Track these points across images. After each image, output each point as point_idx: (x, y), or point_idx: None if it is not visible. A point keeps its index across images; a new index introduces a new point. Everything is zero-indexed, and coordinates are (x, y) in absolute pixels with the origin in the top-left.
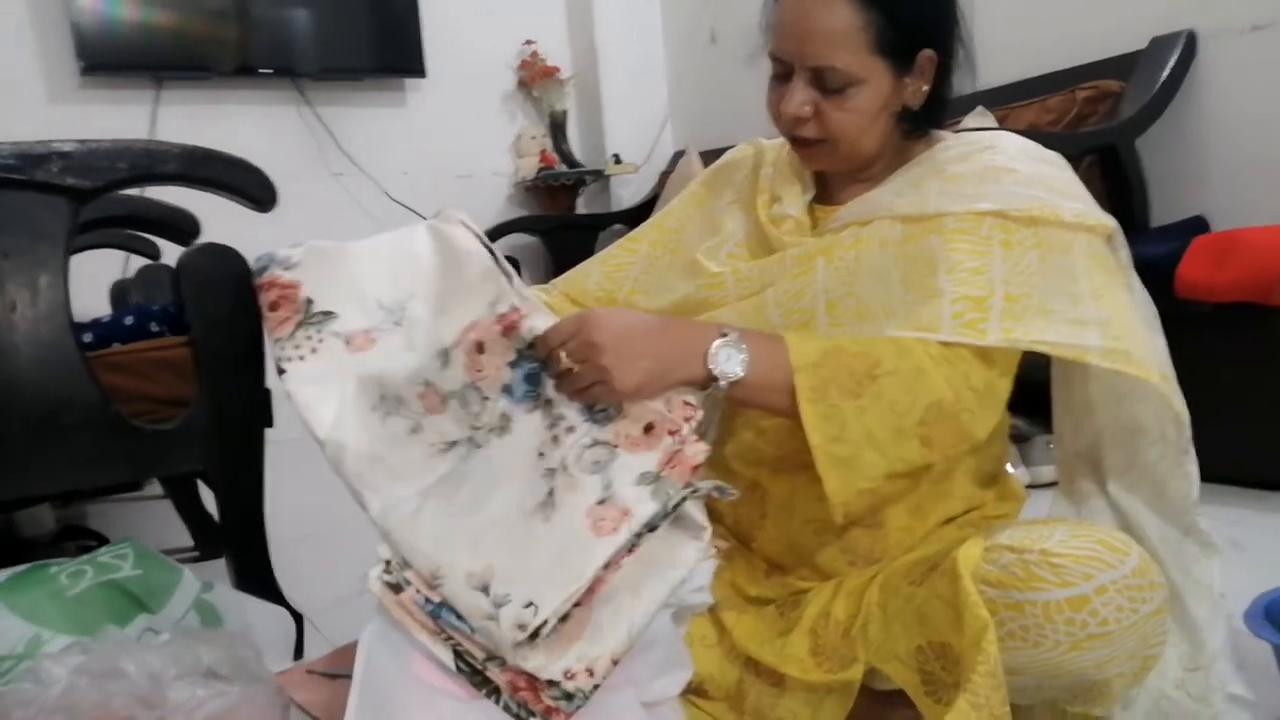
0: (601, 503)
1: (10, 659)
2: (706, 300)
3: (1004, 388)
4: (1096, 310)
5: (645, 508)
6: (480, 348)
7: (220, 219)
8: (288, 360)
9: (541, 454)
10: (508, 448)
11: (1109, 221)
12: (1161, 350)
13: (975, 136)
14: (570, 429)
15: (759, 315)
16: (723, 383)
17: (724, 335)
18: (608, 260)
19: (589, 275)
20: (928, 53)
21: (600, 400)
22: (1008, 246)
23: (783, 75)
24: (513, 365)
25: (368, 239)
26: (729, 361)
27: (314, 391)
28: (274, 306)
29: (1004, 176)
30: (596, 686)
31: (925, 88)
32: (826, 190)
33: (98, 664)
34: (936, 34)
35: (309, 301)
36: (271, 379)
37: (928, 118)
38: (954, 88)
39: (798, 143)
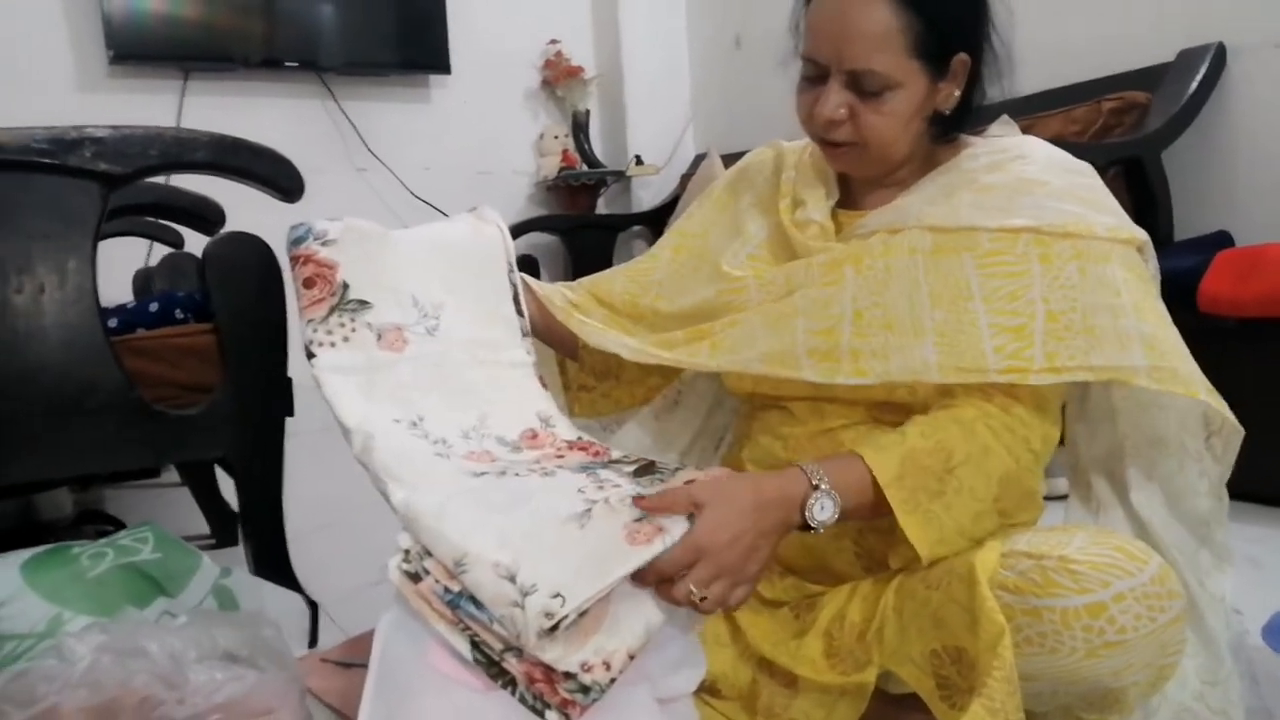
0: (638, 520)
1: (31, 637)
2: (729, 304)
3: (1055, 437)
4: (1139, 324)
5: (680, 527)
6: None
7: (245, 209)
8: (319, 345)
9: (581, 490)
10: (548, 482)
11: (1140, 234)
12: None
13: (1004, 144)
14: (615, 485)
15: (784, 323)
16: (818, 530)
17: (814, 487)
18: (633, 266)
19: (614, 279)
20: (962, 57)
21: (745, 599)
22: (1046, 261)
23: (816, 77)
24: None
25: (407, 229)
26: (824, 512)
27: (343, 382)
28: (309, 283)
29: (1036, 189)
30: (613, 680)
31: (957, 92)
32: (850, 195)
33: (120, 642)
34: (972, 38)
35: (345, 286)
36: (293, 368)
37: (957, 123)
38: (986, 94)
39: (828, 145)
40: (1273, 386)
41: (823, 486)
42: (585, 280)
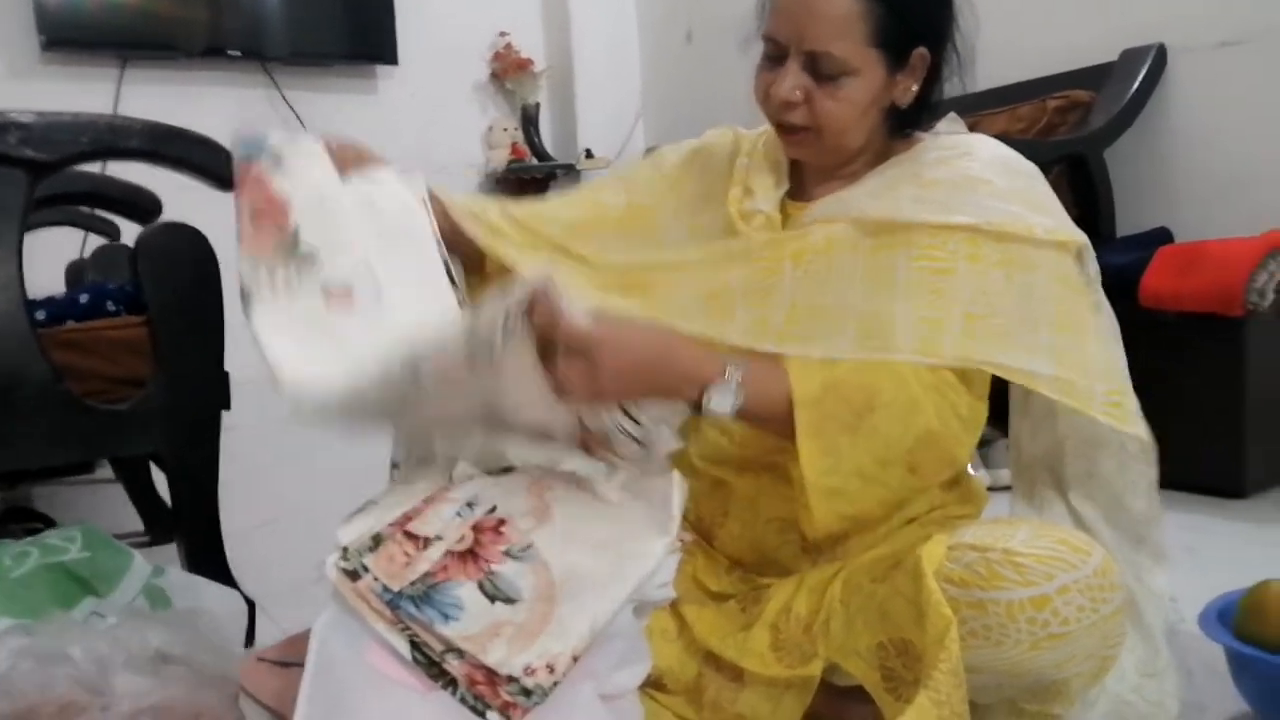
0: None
1: None
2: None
3: (982, 411)
4: (1051, 337)
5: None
6: None
7: (182, 201)
8: (259, 290)
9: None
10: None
11: (1080, 237)
12: (1117, 371)
13: (953, 140)
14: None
15: (721, 300)
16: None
17: (725, 378)
18: (573, 210)
19: (550, 220)
20: (921, 51)
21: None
22: (974, 260)
23: (775, 58)
24: None
25: (359, 180)
26: (720, 405)
27: (281, 341)
28: (257, 215)
29: (979, 187)
30: (556, 684)
31: (915, 87)
32: (801, 185)
33: (40, 646)
34: (933, 33)
35: (297, 231)
36: (230, 361)
37: (913, 119)
38: (943, 91)
39: (783, 129)
40: (1209, 379)
41: (733, 382)
42: (515, 207)
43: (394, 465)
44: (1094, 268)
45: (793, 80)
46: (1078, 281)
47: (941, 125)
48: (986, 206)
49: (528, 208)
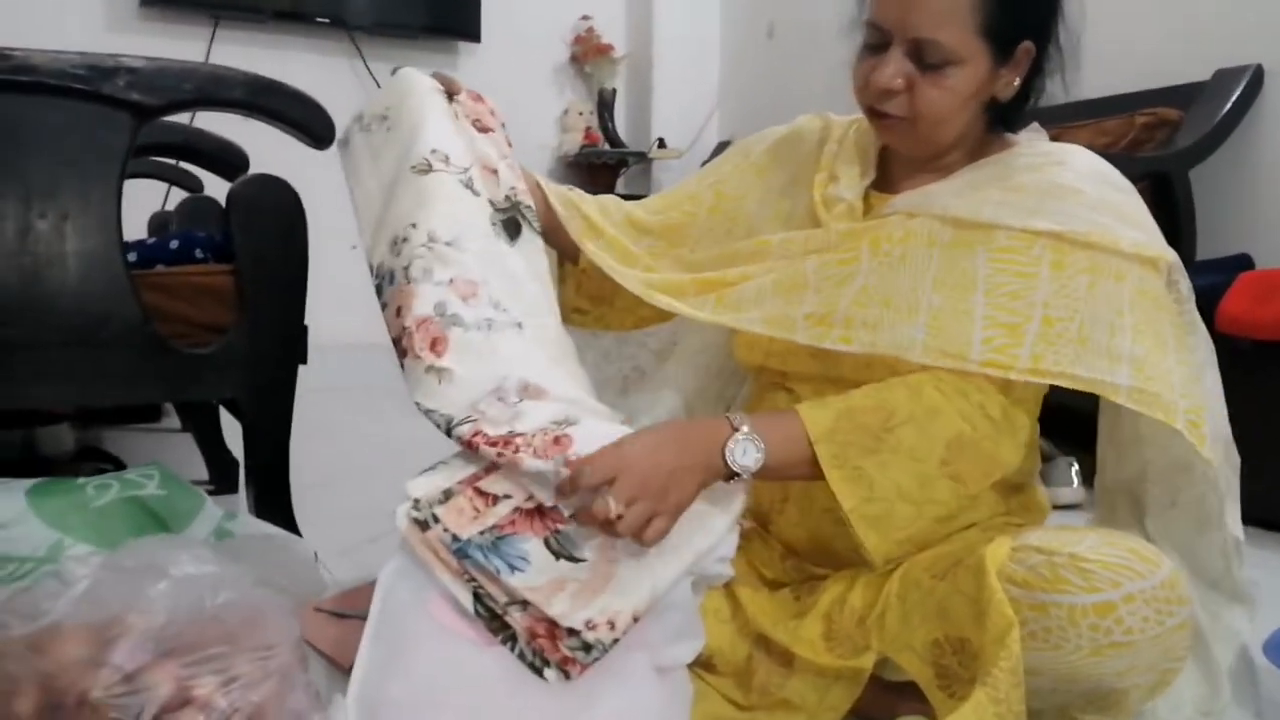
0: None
1: (32, 560)
2: (749, 261)
3: (1023, 416)
4: (1133, 346)
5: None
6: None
7: (269, 160)
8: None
9: None
10: None
11: (1169, 254)
12: (1197, 392)
13: (1049, 148)
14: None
15: (794, 292)
16: (743, 476)
17: (735, 430)
18: (667, 210)
19: (645, 225)
20: (1027, 45)
21: (662, 533)
22: (1058, 268)
23: (877, 45)
24: None
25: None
26: (745, 456)
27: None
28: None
29: (1069, 196)
30: (616, 640)
31: (1018, 81)
32: (889, 177)
33: (126, 561)
34: (1041, 28)
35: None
36: (310, 316)
37: (1012, 115)
38: (1045, 89)
39: (879, 116)
40: None
41: (743, 430)
42: (614, 207)
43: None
44: (1186, 285)
45: (895, 67)
46: (1165, 299)
47: (1023, 135)
48: (1073, 215)
49: (626, 207)
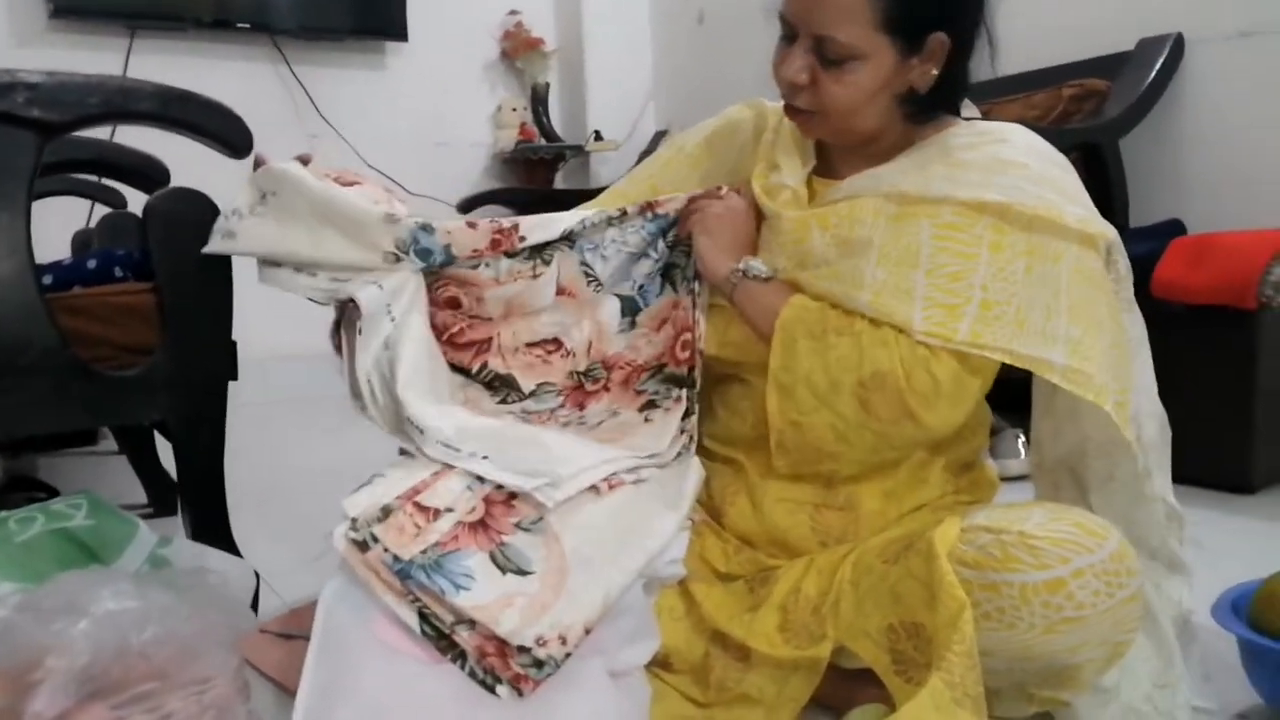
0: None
1: None
2: None
3: (973, 385)
4: (1069, 328)
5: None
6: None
7: (191, 173)
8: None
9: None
10: None
11: (1109, 231)
12: (1125, 372)
13: (986, 126)
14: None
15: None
16: (740, 272)
17: (752, 270)
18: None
19: None
20: (939, 36)
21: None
22: (997, 249)
23: (788, 37)
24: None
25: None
26: (754, 269)
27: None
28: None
29: (1012, 170)
30: (568, 655)
31: (934, 71)
32: (828, 164)
33: (45, 601)
34: (950, 18)
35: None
36: (238, 331)
37: (937, 103)
38: (970, 76)
39: (792, 111)
40: (1219, 372)
41: (759, 270)
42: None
43: (402, 454)
44: (1125, 264)
45: (799, 62)
46: (1101, 278)
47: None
48: (1019, 188)
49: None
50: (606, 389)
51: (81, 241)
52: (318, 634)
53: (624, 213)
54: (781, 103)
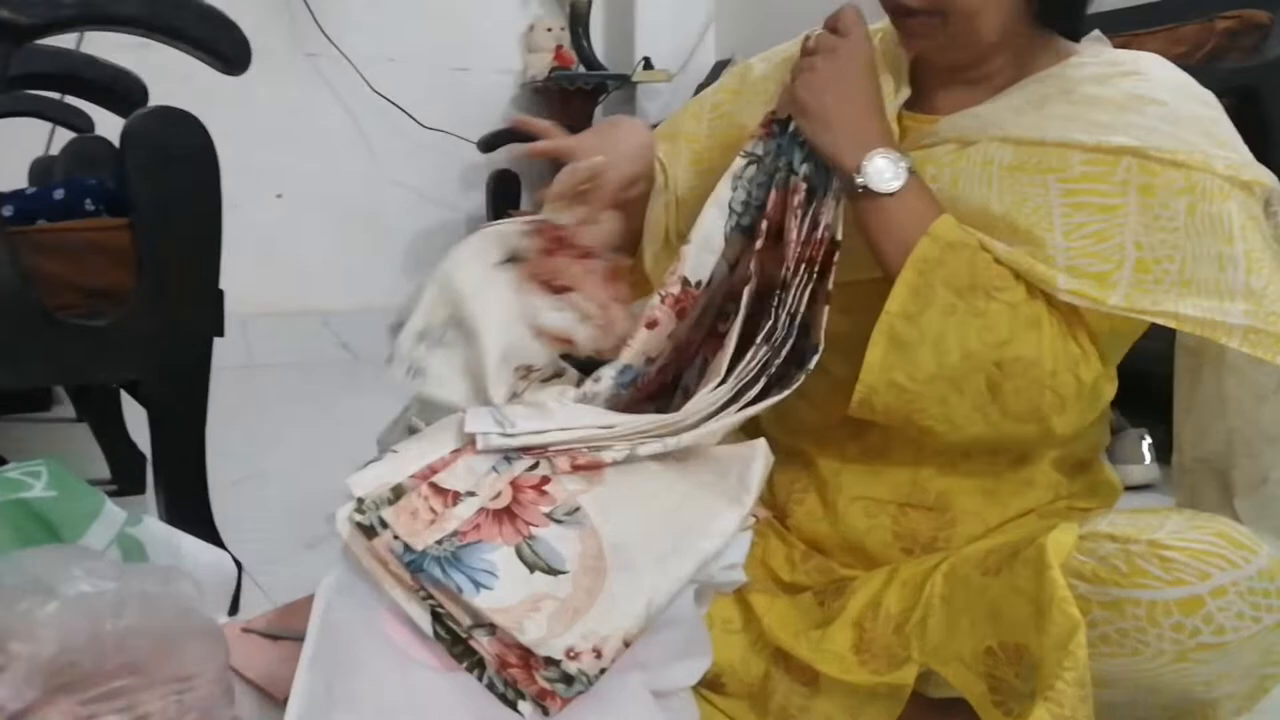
0: None
1: None
2: None
3: (1108, 392)
4: (1249, 278)
5: None
6: None
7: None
8: None
9: None
10: None
11: (1269, 179)
12: None
13: (1117, 56)
14: None
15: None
16: (859, 186)
17: (899, 153)
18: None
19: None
20: None
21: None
22: (1148, 193)
23: None
24: None
25: None
26: (879, 177)
27: None
28: None
29: (1148, 108)
30: (603, 671)
31: None
32: (922, 95)
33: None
34: None
35: None
36: (226, 278)
37: (1064, 15)
38: None
39: (902, 13)
40: None
41: (903, 159)
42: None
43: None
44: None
45: None
46: (1268, 229)
47: (1084, 45)
48: (1158, 130)
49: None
50: None
51: (42, 169)
52: (314, 633)
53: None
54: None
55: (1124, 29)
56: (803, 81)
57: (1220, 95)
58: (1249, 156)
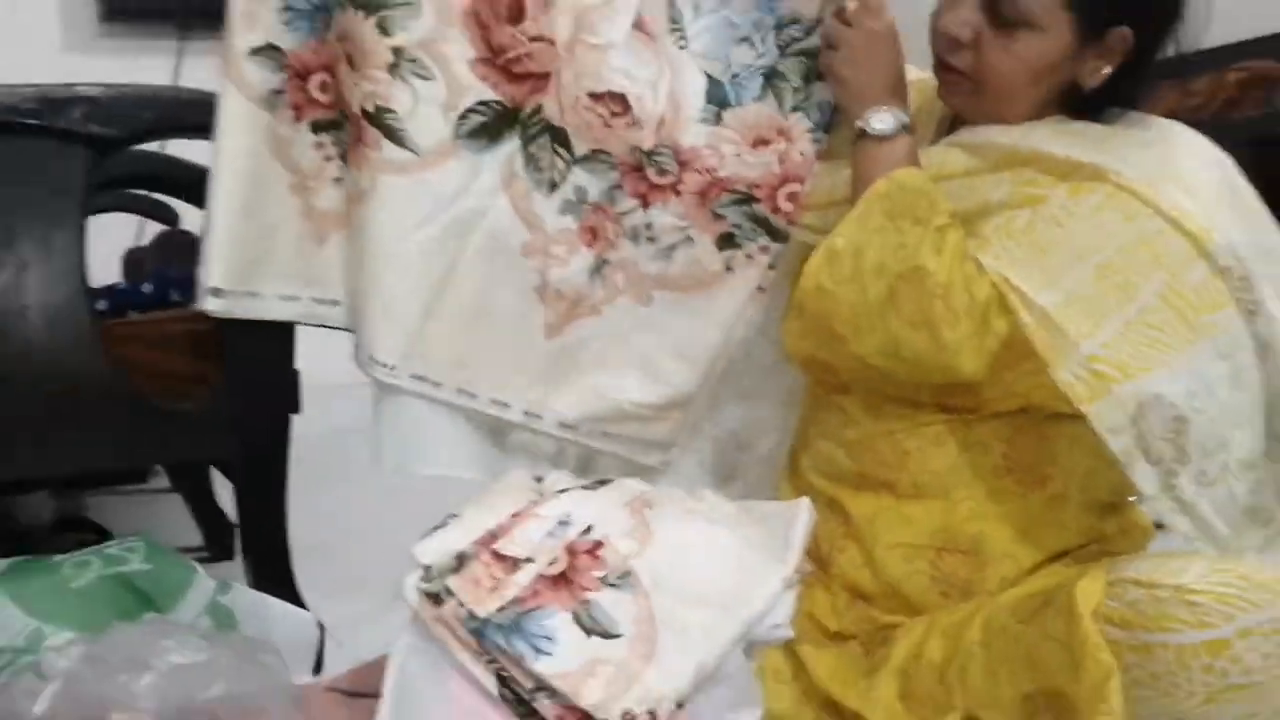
0: None
1: (9, 651)
2: None
3: (999, 325)
4: (1082, 283)
5: None
6: None
7: None
8: None
9: None
10: None
11: (1217, 236)
12: (1129, 353)
13: (1139, 118)
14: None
15: None
16: (859, 129)
17: (902, 121)
18: None
19: None
20: (1123, 31)
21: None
22: (1075, 192)
23: None
24: None
25: None
26: (877, 120)
27: None
28: None
29: (1149, 149)
30: None
31: (1107, 69)
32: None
33: (108, 653)
34: (1144, 16)
35: None
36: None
37: (1095, 108)
38: (1143, 86)
39: (943, 69)
40: None
41: (901, 116)
42: None
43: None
44: (1253, 269)
45: (967, 15)
46: (1180, 266)
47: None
48: (1133, 163)
49: None
50: (676, 191)
51: (135, 261)
52: (390, 693)
53: None
54: (917, 76)
55: None
56: (841, 57)
57: (1236, 148)
58: (1221, 213)
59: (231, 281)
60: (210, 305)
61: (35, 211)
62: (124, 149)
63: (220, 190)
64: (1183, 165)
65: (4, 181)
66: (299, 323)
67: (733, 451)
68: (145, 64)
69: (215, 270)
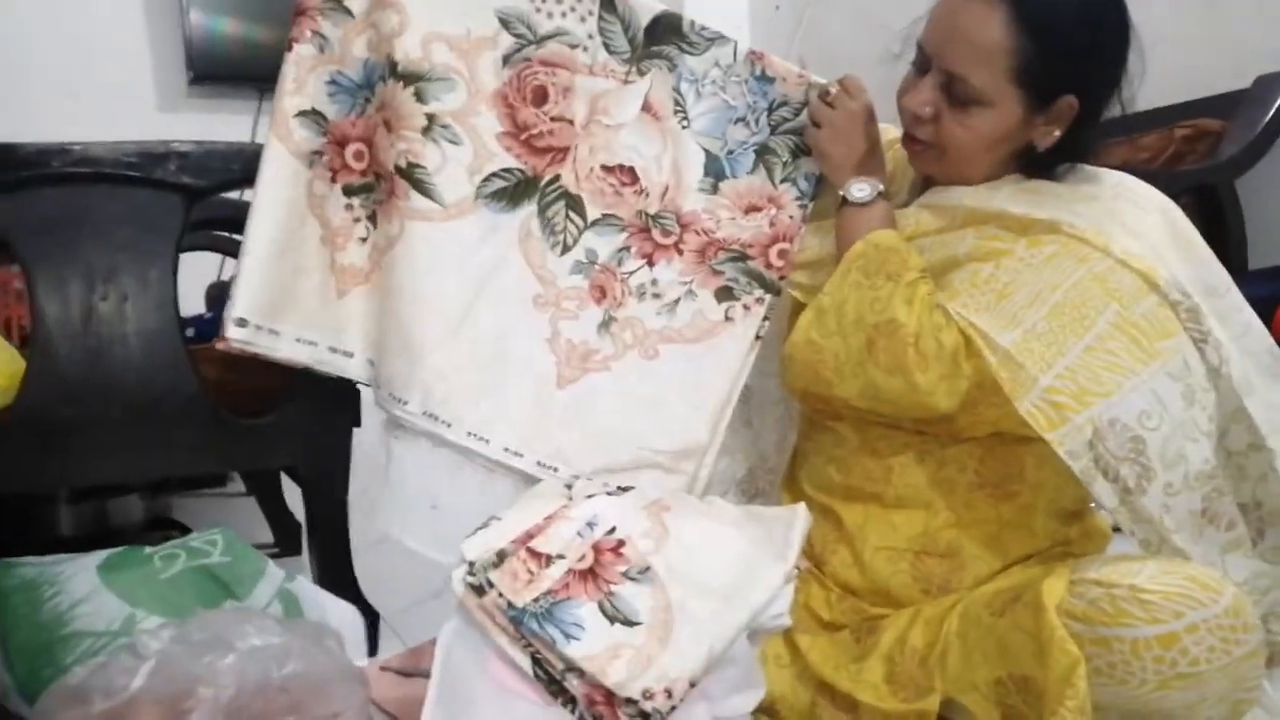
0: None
1: (106, 635)
2: None
3: (966, 369)
4: (1040, 320)
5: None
6: None
7: None
8: None
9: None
10: None
11: (1161, 273)
12: (1095, 382)
13: (1093, 172)
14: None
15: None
16: (841, 196)
17: (878, 189)
18: None
19: None
20: (1069, 99)
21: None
22: (1035, 244)
23: (920, 66)
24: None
25: None
26: (856, 190)
27: None
28: None
29: (1096, 203)
30: (674, 708)
31: (1057, 133)
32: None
33: (194, 634)
34: (1086, 84)
35: None
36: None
37: (1053, 163)
38: (1093, 145)
39: (910, 140)
40: None
41: (876, 191)
42: None
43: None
44: (1199, 303)
45: (926, 95)
46: (1130, 299)
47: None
48: (1074, 212)
49: None
50: (679, 251)
51: (216, 293)
52: (437, 673)
53: (733, 50)
54: (894, 132)
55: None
56: (825, 135)
57: (1182, 195)
58: (1166, 253)
59: (257, 316)
60: (233, 333)
61: (135, 251)
62: (212, 195)
63: (257, 231)
64: (1127, 214)
65: (108, 225)
66: (312, 368)
67: (763, 475)
68: (228, 121)
69: (242, 302)
